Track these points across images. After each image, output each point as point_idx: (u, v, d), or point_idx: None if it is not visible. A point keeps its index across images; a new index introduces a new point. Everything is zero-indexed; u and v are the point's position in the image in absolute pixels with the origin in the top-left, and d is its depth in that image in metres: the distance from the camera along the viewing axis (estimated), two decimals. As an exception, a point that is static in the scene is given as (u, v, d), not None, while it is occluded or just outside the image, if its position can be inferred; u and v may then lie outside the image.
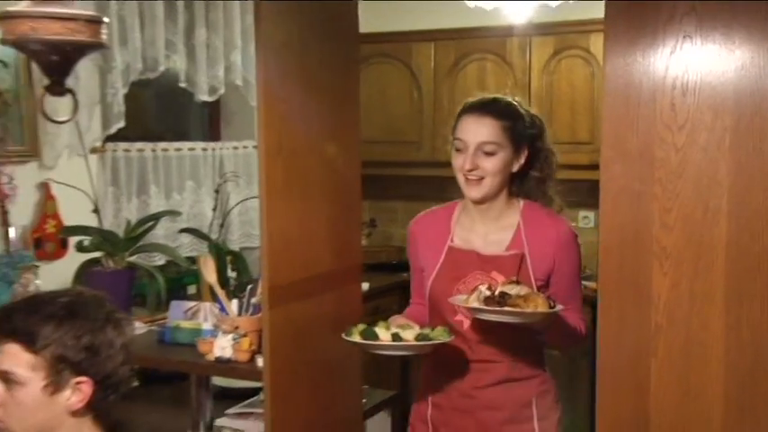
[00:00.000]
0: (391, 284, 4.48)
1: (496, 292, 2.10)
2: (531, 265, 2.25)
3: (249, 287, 2.46)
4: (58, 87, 1.29)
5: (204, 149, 4.33)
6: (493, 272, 2.23)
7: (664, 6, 1.58)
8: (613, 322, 1.68)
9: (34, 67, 3.25)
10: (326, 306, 2.30)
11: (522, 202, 2.33)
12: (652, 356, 1.64)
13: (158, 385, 2.69)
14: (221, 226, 4.09)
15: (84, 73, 3.40)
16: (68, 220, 3.36)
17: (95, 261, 2.81)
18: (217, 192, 4.21)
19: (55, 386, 1.67)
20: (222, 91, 4.17)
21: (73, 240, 3.23)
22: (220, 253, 3.16)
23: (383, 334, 2.10)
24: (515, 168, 2.27)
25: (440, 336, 2.12)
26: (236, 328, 2.39)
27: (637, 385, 1.67)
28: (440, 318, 2.28)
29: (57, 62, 1.76)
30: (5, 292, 2.82)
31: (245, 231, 4.40)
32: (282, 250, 2.11)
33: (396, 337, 2.09)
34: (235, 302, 2.47)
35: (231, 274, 3.25)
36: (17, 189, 3.08)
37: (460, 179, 2.26)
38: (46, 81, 1.90)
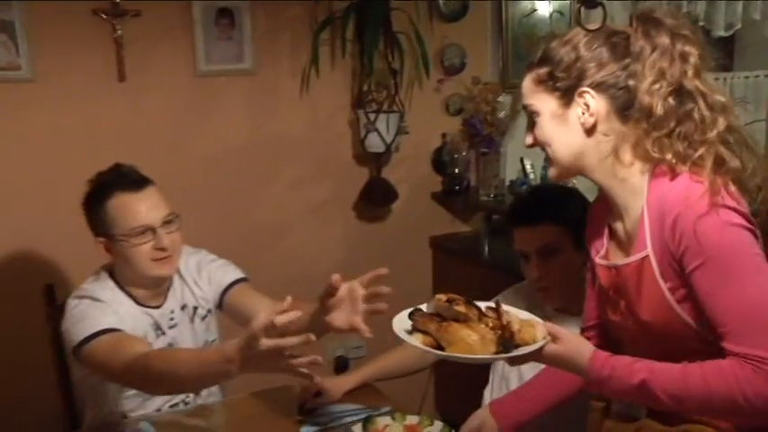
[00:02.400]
0: None
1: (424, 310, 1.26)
2: (658, 271, 1.19)
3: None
4: (590, 2, 1.25)
5: (716, 78, 3.97)
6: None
7: None
8: None
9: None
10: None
11: (648, 174, 1.22)
12: None
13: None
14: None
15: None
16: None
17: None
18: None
19: (579, 249, 1.70)
20: (738, 26, 3.75)
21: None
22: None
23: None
24: (587, 125, 1.23)
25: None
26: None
27: None
28: None
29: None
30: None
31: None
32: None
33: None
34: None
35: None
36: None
37: None
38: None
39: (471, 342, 1.17)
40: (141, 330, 1.92)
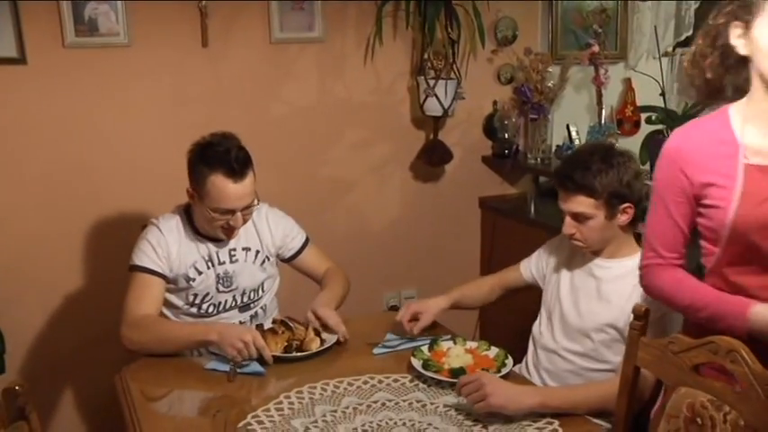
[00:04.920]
0: None
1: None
2: None
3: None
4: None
5: None
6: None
7: None
8: None
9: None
10: None
11: None
12: None
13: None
14: None
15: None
16: (641, 103, 3.53)
17: (658, 132, 3.00)
18: None
19: (612, 214, 1.95)
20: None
21: (643, 117, 3.39)
22: None
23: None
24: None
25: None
26: None
27: None
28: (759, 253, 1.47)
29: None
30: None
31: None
32: None
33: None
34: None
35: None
36: (609, 80, 3.33)
37: None
38: None
39: (273, 345, 2.05)
40: (191, 258, 2.23)
